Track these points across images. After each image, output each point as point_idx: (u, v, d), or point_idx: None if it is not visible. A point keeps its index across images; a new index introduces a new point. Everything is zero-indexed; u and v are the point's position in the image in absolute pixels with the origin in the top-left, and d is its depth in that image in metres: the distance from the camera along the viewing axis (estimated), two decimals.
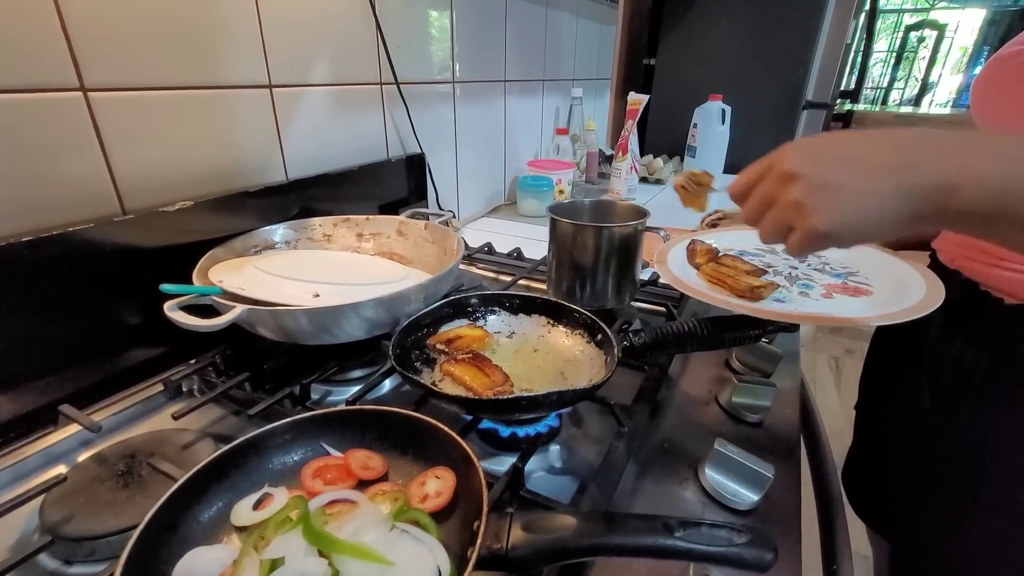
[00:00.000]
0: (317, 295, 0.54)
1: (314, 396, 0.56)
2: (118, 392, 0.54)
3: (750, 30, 1.64)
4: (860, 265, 0.61)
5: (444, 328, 0.57)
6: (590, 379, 0.48)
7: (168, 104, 0.58)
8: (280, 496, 0.35)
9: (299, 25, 0.71)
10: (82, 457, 0.45)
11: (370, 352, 0.61)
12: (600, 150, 1.63)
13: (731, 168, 1.73)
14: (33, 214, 0.49)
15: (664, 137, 1.89)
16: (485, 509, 0.31)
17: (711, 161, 1.70)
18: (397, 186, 0.94)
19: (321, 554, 0.30)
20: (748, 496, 0.42)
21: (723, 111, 1.63)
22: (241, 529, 0.33)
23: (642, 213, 0.66)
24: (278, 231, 0.70)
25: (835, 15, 1.54)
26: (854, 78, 2.12)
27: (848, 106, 1.95)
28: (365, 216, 0.77)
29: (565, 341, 0.56)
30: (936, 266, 0.64)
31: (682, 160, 1.79)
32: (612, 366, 0.47)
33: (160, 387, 0.55)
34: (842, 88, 1.79)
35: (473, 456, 0.35)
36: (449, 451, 0.37)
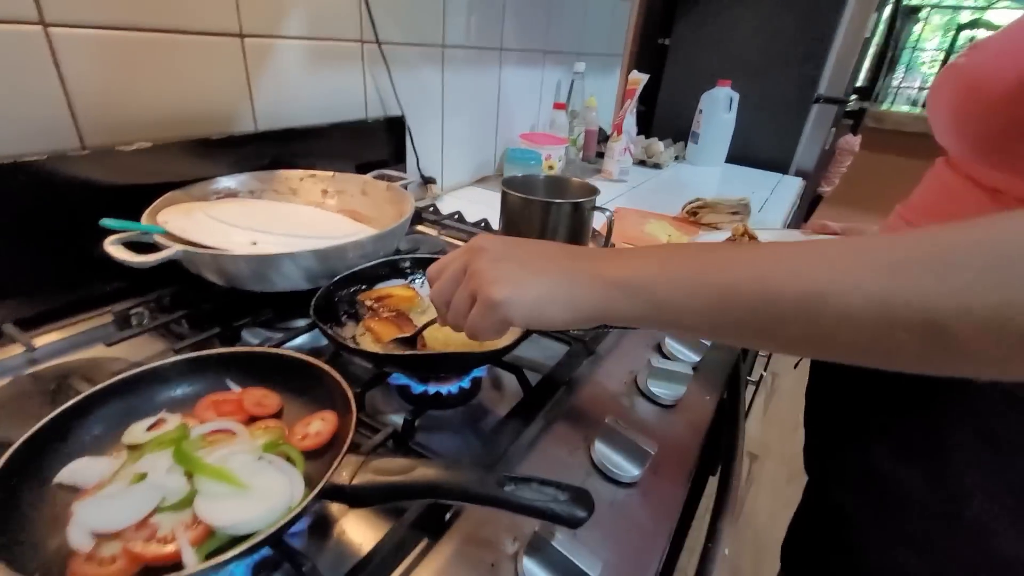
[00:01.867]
0: (255, 243, 0.56)
1: (253, 340, 0.59)
2: (68, 319, 0.58)
3: (767, 17, 1.59)
4: None
5: (379, 286, 0.59)
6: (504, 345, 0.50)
7: (132, 45, 0.60)
8: (172, 422, 0.38)
9: None
10: (20, 375, 0.48)
11: (306, 304, 0.64)
12: (600, 128, 1.61)
13: (733, 158, 1.70)
14: None
15: (671, 120, 1.85)
16: (344, 449, 0.33)
17: (714, 148, 1.67)
18: (376, 148, 0.95)
19: (186, 475, 0.33)
20: (630, 470, 0.44)
21: (730, 98, 1.60)
22: (132, 448, 0.36)
23: (592, 191, 0.67)
24: (242, 179, 0.72)
25: (856, 8, 1.48)
26: (882, 73, 2.04)
27: (860, 104, 1.88)
28: (331, 173, 0.79)
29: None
30: None
31: (685, 146, 1.76)
32: (520, 335, 0.48)
33: (109, 318, 0.58)
34: (857, 84, 1.73)
35: (353, 404, 0.37)
36: (336, 398, 0.39)
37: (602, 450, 0.46)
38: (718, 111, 1.61)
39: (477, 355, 0.46)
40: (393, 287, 0.59)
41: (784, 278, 0.28)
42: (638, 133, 1.62)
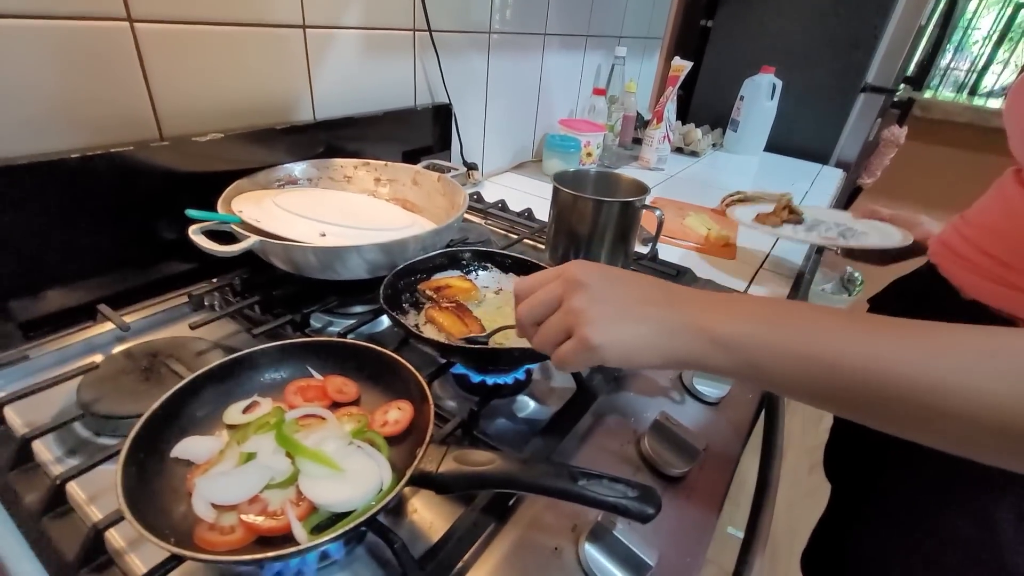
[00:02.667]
0: (323, 235, 0.59)
1: (316, 325, 0.62)
2: (149, 299, 0.62)
3: (816, 1, 1.54)
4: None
5: (437, 276, 0.62)
6: None
7: (208, 39, 0.62)
8: (265, 405, 0.41)
9: None
10: (114, 351, 0.53)
11: (371, 291, 0.67)
12: (638, 114, 1.60)
13: (772, 147, 1.68)
14: (82, 134, 0.55)
15: (710, 107, 1.82)
16: (427, 439, 0.36)
17: (752, 138, 1.65)
18: (422, 134, 0.97)
19: (288, 456, 0.36)
20: (680, 465, 0.47)
21: (773, 85, 1.56)
22: (231, 427, 0.40)
23: (643, 190, 0.68)
24: (301, 168, 0.75)
25: None
26: (936, 61, 1.95)
27: (909, 94, 1.82)
28: (384, 162, 0.81)
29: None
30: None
31: (723, 133, 1.73)
32: None
33: (185, 299, 0.62)
34: (908, 73, 1.67)
35: (429, 395, 0.40)
36: (412, 388, 0.42)
37: (653, 446, 0.48)
38: (760, 98, 1.58)
39: (534, 351, 0.49)
40: (451, 277, 0.62)
41: (902, 364, 0.28)
42: (675, 119, 1.60)
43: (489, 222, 0.94)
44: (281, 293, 0.62)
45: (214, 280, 0.65)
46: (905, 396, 0.28)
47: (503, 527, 0.40)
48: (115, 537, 0.35)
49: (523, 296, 0.40)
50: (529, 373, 0.57)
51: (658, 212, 0.68)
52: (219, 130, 0.65)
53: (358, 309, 0.66)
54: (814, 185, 1.44)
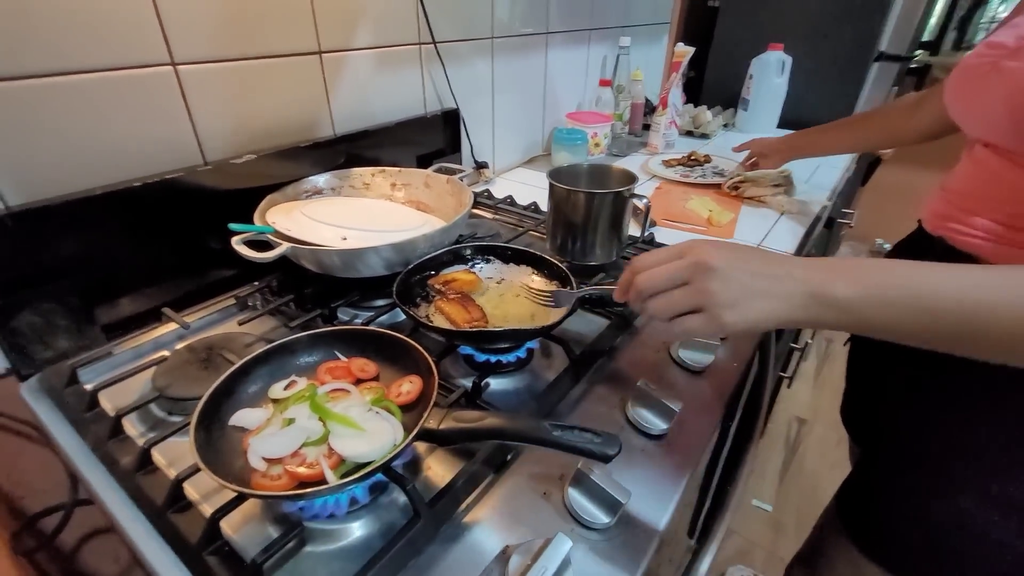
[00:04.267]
0: (345, 238, 0.68)
1: (344, 317, 0.71)
2: (202, 302, 0.72)
3: None
4: None
5: (444, 271, 0.70)
6: (551, 322, 0.59)
7: (238, 73, 0.71)
8: (301, 382, 0.50)
9: None
10: (178, 346, 0.63)
11: (389, 286, 0.75)
12: (647, 99, 1.63)
13: (785, 124, 1.68)
14: (142, 165, 0.65)
15: (722, 87, 1.83)
16: (431, 403, 0.44)
17: (764, 115, 1.65)
18: (433, 139, 1.05)
19: (320, 420, 0.45)
20: (658, 424, 0.53)
21: (782, 62, 1.56)
22: (275, 401, 0.49)
23: (631, 179, 0.74)
24: (325, 179, 0.84)
25: None
26: (951, 24, 1.89)
27: (926, 59, 1.77)
28: (398, 168, 0.89)
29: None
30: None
31: (735, 112, 1.74)
32: (566, 313, 0.57)
33: (232, 300, 0.72)
34: (923, 39, 1.64)
35: (434, 368, 0.48)
36: (421, 365, 0.50)
37: (635, 408, 0.55)
38: (769, 76, 1.58)
39: (530, 330, 0.56)
40: (457, 272, 0.69)
41: (995, 293, 0.35)
42: (687, 101, 1.62)
43: (498, 216, 1.01)
44: (311, 291, 0.71)
45: (255, 283, 0.75)
46: (1000, 321, 0.34)
47: (500, 477, 0.48)
48: (190, 488, 0.44)
49: (644, 268, 0.44)
50: (530, 352, 0.64)
51: (644, 200, 0.73)
52: (252, 151, 0.74)
53: (378, 303, 0.74)
54: (826, 159, 1.44)
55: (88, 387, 0.55)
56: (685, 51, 1.36)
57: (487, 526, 0.44)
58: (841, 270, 0.39)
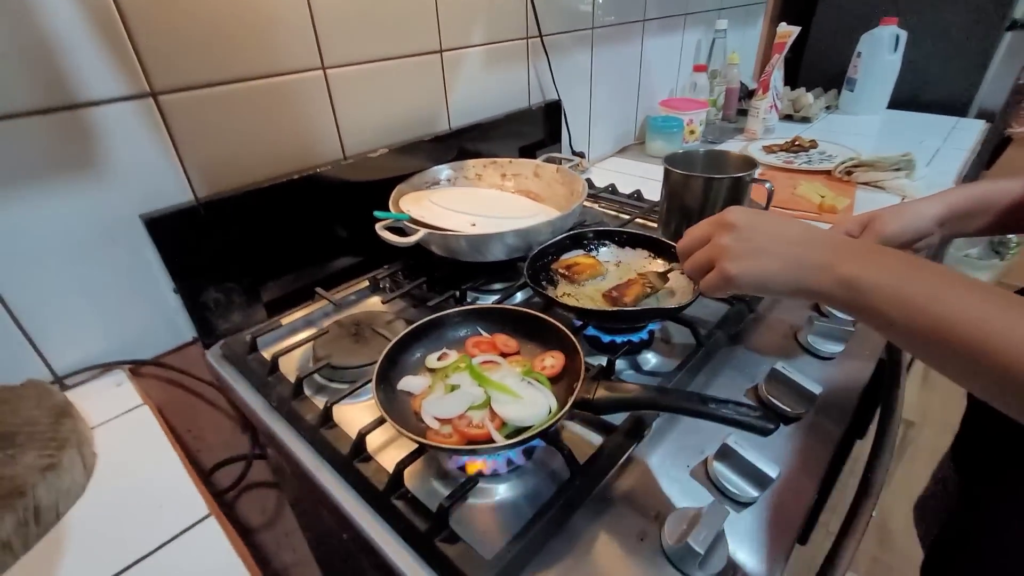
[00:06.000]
0: (474, 224, 0.73)
1: (469, 300, 0.76)
2: (339, 284, 0.79)
3: None
4: None
5: (564, 256, 0.72)
6: (678, 304, 0.61)
7: (374, 74, 0.77)
8: (452, 355, 0.55)
9: None
10: (327, 322, 0.70)
11: (508, 270, 0.79)
12: (742, 84, 1.57)
13: (896, 104, 1.56)
14: (298, 160, 0.73)
15: (821, 69, 1.74)
16: (583, 375, 0.47)
17: (873, 96, 1.56)
18: (535, 130, 1.08)
19: (480, 387, 0.49)
20: (796, 408, 0.53)
21: (896, 37, 1.46)
22: (430, 370, 0.54)
23: (751, 164, 0.73)
24: (443, 171, 0.89)
25: None
26: None
27: None
28: (508, 159, 0.93)
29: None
30: None
31: (839, 94, 1.64)
32: (695, 295, 0.58)
33: (366, 283, 0.79)
34: None
35: (578, 344, 0.51)
36: (562, 341, 0.53)
37: (769, 390, 0.55)
38: (881, 52, 1.48)
39: (660, 310, 0.58)
40: (578, 256, 0.72)
41: (1006, 335, 0.30)
42: (784, 84, 1.55)
43: (601, 205, 1.02)
44: (440, 275, 0.76)
45: (386, 267, 0.81)
46: (1009, 367, 0.30)
47: (640, 448, 0.50)
48: (369, 443, 0.50)
49: (687, 235, 0.48)
50: (652, 333, 0.66)
51: (768, 184, 0.72)
52: (384, 146, 0.80)
53: (497, 286, 0.78)
54: (947, 141, 1.34)
55: (267, 354, 0.62)
56: (790, 31, 1.30)
57: (632, 494, 0.47)
58: (862, 251, 0.39)
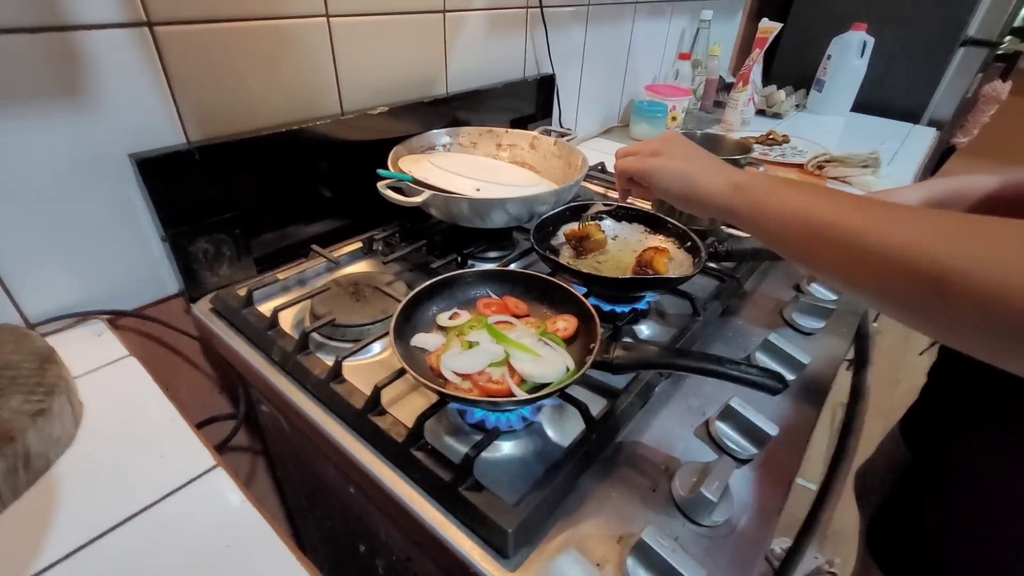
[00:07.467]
0: (478, 189, 0.72)
1: (468, 264, 0.76)
2: (333, 244, 0.77)
3: None
4: None
5: (564, 227, 0.73)
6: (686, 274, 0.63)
7: (377, 27, 0.75)
8: (464, 315, 0.55)
9: None
10: (320, 281, 0.68)
11: (504, 239, 0.79)
12: (720, 77, 1.62)
13: (859, 107, 1.65)
14: (295, 112, 0.69)
15: (792, 68, 1.81)
16: (599, 336, 0.48)
17: (839, 98, 1.64)
18: (528, 103, 1.07)
19: (498, 344, 0.49)
20: (786, 374, 0.57)
21: (863, 43, 1.54)
22: (442, 328, 0.54)
23: (746, 148, 0.76)
24: (441, 136, 0.88)
25: None
26: None
27: (1016, 46, 1.72)
28: (504, 129, 0.93)
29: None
30: None
31: (807, 94, 1.72)
32: (700, 266, 0.61)
33: (359, 244, 0.77)
34: (1016, 24, 1.59)
35: (591, 307, 0.52)
36: (574, 304, 0.54)
37: (762, 358, 0.59)
38: (849, 57, 1.56)
39: (662, 279, 0.60)
40: (589, 227, 0.73)
41: (872, 226, 0.33)
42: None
43: (593, 183, 1.04)
44: (441, 238, 0.75)
45: (380, 229, 0.80)
46: (870, 249, 0.33)
47: (646, 409, 0.53)
48: (384, 396, 0.49)
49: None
50: (649, 304, 0.68)
51: (762, 168, 0.76)
52: (384, 104, 0.78)
53: (493, 254, 0.78)
54: (904, 144, 1.43)
55: (264, 309, 0.60)
56: (771, 27, 1.35)
57: (642, 450, 0.49)
58: (760, 174, 0.48)
